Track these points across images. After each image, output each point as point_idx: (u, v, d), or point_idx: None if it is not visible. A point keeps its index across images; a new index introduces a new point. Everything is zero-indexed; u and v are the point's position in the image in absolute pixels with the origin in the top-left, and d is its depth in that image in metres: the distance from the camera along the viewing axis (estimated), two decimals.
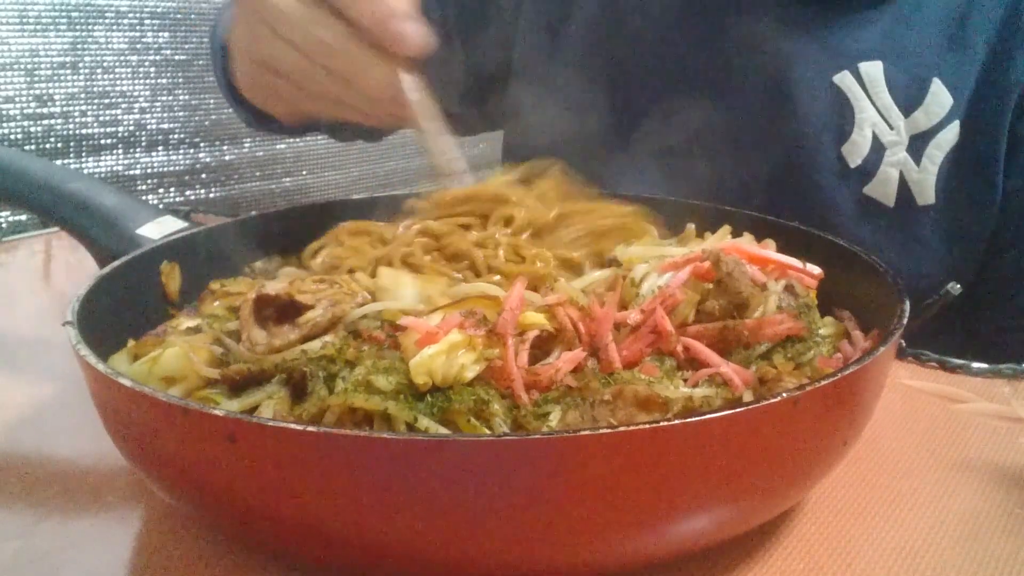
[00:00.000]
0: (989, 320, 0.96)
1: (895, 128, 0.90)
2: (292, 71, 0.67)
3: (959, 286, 0.63)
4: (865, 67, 0.91)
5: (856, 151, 0.91)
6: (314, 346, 0.55)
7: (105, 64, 1.36)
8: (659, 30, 0.98)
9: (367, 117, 0.71)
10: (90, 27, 1.33)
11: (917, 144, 0.90)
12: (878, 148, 0.91)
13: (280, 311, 0.58)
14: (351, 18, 0.62)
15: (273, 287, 0.59)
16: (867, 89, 0.91)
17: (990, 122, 0.89)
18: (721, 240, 0.68)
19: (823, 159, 0.92)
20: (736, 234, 0.70)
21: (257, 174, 1.60)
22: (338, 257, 0.71)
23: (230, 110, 1.53)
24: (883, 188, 0.91)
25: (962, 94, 0.90)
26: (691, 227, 0.73)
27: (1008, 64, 0.89)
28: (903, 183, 0.90)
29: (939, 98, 0.90)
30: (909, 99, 0.91)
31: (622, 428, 0.40)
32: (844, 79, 0.91)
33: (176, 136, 1.46)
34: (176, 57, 1.45)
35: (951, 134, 0.90)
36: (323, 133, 1.20)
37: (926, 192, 0.90)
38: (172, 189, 1.47)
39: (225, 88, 0.96)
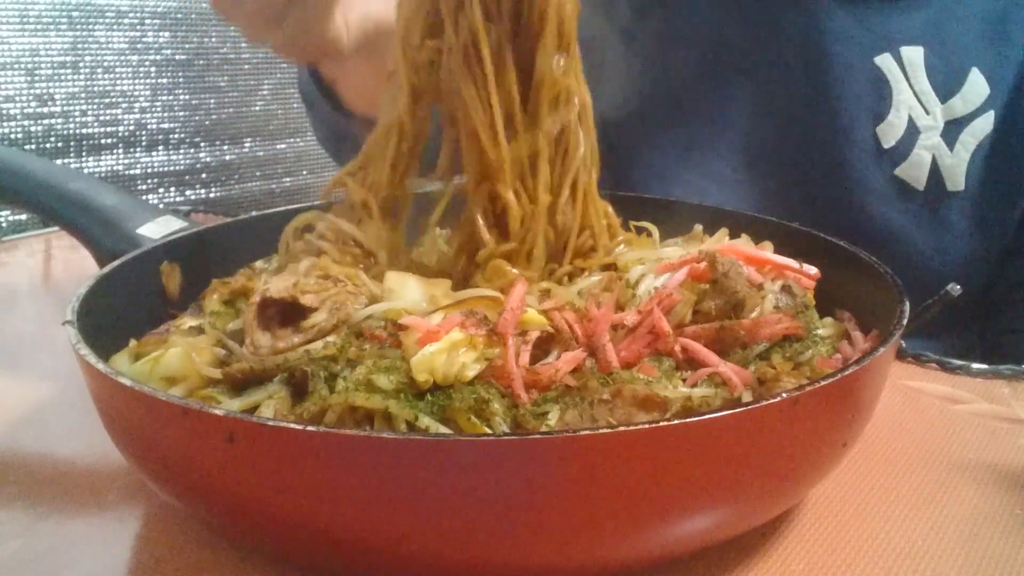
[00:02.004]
0: (1001, 321, 0.97)
1: (931, 113, 0.92)
2: None
3: (959, 287, 0.63)
4: (906, 51, 0.93)
5: (891, 132, 0.92)
6: (316, 346, 0.55)
7: (105, 64, 1.36)
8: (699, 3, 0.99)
9: None
10: (90, 27, 1.34)
11: (952, 130, 0.92)
12: (913, 131, 0.92)
13: (284, 313, 0.58)
14: None
15: (276, 289, 0.59)
16: (907, 72, 0.93)
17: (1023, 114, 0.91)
18: (718, 242, 0.68)
19: (857, 137, 0.93)
20: (734, 235, 0.70)
21: (257, 174, 1.60)
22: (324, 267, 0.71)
23: (230, 110, 1.53)
24: (915, 171, 0.92)
25: (999, 86, 0.92)
26: (698, 228, 0.73)
27: None
28: (935, 167, 0.92)
29: (976, 87, 0.92)
30: (947, 86, 0.92)
31: (621, 428, 0.40)
32: (885, 61, 0.93)
33: (176, 136, 1.46)
34: (176, 57, 1.45)
35: (986, 123, 0.92)
36: None
37: (957, 178, 0.92)
38: (172, 189, 1.47)
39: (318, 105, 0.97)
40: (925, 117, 0.92)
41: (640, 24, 1.01)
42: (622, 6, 1.01)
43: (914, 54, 0.93)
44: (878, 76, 0.93)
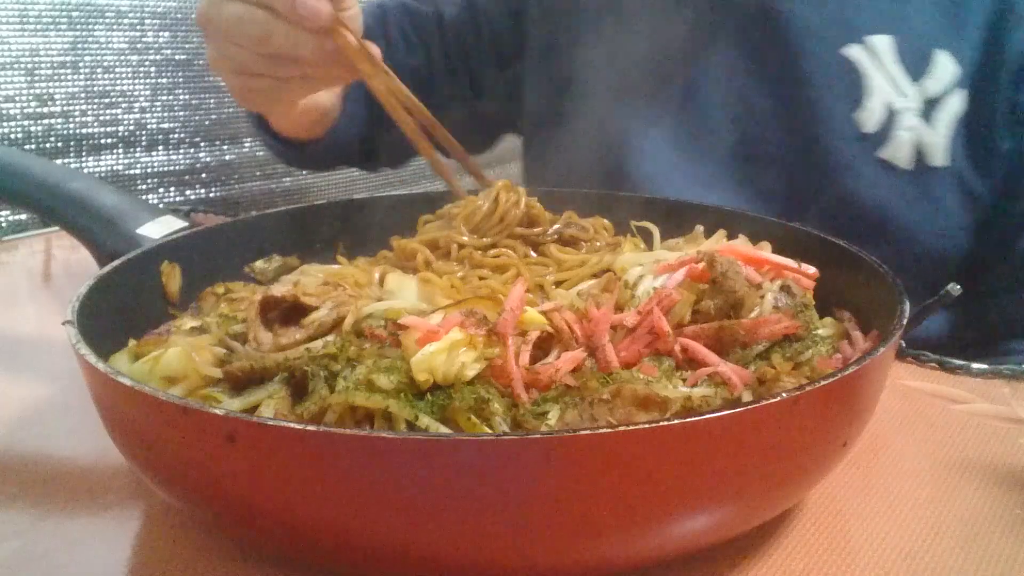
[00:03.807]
0: (995, 306, 1.00)
1: (907, 95, 0.96)
2: (251, 66, 0.79)
3: (959, 287, 0.63)
4: (873, 40, 0.96)
5: (870, 117, 0.95)
6: (316, 345, 0.55)
7: (105, 64, 1.36)
8: (668, 5, 1.03)
9: (332, 79, 0.85)
10: (90, 27, 1.33)
11: (929, 109, 0.95)
12: (891, 113, 0.95)
13: (285, 314, 0.58)
14: (272, 8, 0.74)
15: (279, 290, 0.59)
16: (876, 60, 0.96)
17: (991, 90, 0.95)
18: (717, 242, 0.68)
19: (836, 125, 0.96)
20: (733, 236, 0.70)
21: (257, 174, 1.60)
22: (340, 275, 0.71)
23: (230, 110, 1.53)
24: (898, 151, 0.95)
25: (966, 64, 0.95)
26: (699, 228, 0.73)
27: (1004, 37, 0.95)
28: (917, 146, 0.95)
29: (945, 67, 0.95)
30: (917, 68, 0.96)
31: (621, 428, 0.40)
32: (853, 51, 0.96)
33: (176, 136, 1.46)
34: (176, 57, 1.45)
35: (958, 100, 0.95)
36: (355, 166, 1.28)
37: (939, 154, 0.95)
38: (172, 189, 1.47)
39: (259, 129, 1.08)
40: (901, 99, 0.96)
41: (618, 27, 1.05)
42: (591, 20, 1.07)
43: (881, 42, 0.96)
44: (849, 66, 0.96)
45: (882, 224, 0.95)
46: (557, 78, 1.09)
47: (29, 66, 1.27)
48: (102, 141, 1.37)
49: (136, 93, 1.40)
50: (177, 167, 1.47)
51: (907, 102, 0.95)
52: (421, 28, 1.15)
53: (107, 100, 1.37)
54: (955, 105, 0.95)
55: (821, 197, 0.96)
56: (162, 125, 1.44)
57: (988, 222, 0.98)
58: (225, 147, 1.54)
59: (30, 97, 1.28)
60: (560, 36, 1.09)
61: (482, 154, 1.28)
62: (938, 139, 0.95)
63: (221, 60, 0.81)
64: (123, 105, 1.39)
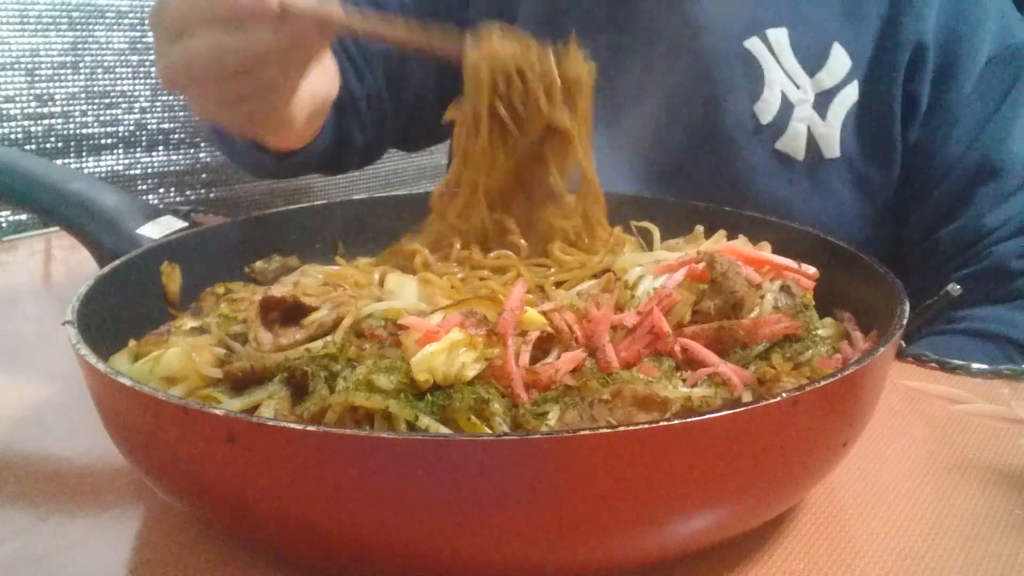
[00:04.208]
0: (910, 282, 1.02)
1: (801, 87, 0.99)
2: (232, 91, 0.70)
3: (959, 287, 0.63)
4: (772, 33, 0.99)
5: (767, 109, 0.99)
6: (316, 345, 0.55)
7: (106, 64, 1.36)
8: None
9: (309, 51, 0.72)
10: (91, 27, 1.33)
11: (822, 101, 0.98)
12: (787, 105, 0.99)
13: (285, 314, 0.58)
14: (213, 24, 0.66)
15: (279, 290, 0.59)
16: (774, 52, 0.99)
17: (885, 81, 0.98)
18: (717, 243, 0.68)
19: (737, 117, 0.99)
20: (732, 236, 0.70)
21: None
22: (340, 276, 0.71)
23: None
24: (793, 143, 0.98)
25: (860, 57, 0.98)
26: (700, 228, 0.73)
27: (898, 29, 0.97)
28: (811, 137, 0.99)
29: (839, 60, 0.98)
30: (812, 61, 0.99)
31: (621, 428, 0.40)
32: (754, 44, 0.99)
33: (176, 136, 1.46)
34: None
35: (852, 92, 0.98)
36: (315, 172, 1.25)
37: (832, 145, 0.98)
38: (172, 189, 1.47)
39: (217, 137, 1.05)
40: (796, 91, 0.98)
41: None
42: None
43: (779, 35, 0.99)
44: (749, 59, 0.99)
45: (778, 214, 0.96)
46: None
47: (29, 66, 1.27)
48: (102, 141, 1.37)
49: (136, 93, 1.40)
50: (177, 167, 1.47)
51: (802, 94, 0.98)
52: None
53: (107, 100, 1.37)
54: (848, 97, 0.98)
55: (717, 187, 0.99)
56: (162, 125, 1.44)
57: (900, 214, 1.01)
58: None
59: (30, 97, 1.28)
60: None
61: None
62: (830, 131, 0.98)
63: (209, 109, 0.74)
64: (123, 105, 1.39)
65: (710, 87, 1.00)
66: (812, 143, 0.99)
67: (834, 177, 0.99)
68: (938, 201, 0.99)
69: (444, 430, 0.46)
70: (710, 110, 1.00)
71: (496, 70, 0.70)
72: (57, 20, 1.29)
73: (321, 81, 0.88)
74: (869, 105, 0.98)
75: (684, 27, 1.01)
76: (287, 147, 0.96)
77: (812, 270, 0.63)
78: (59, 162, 1.31)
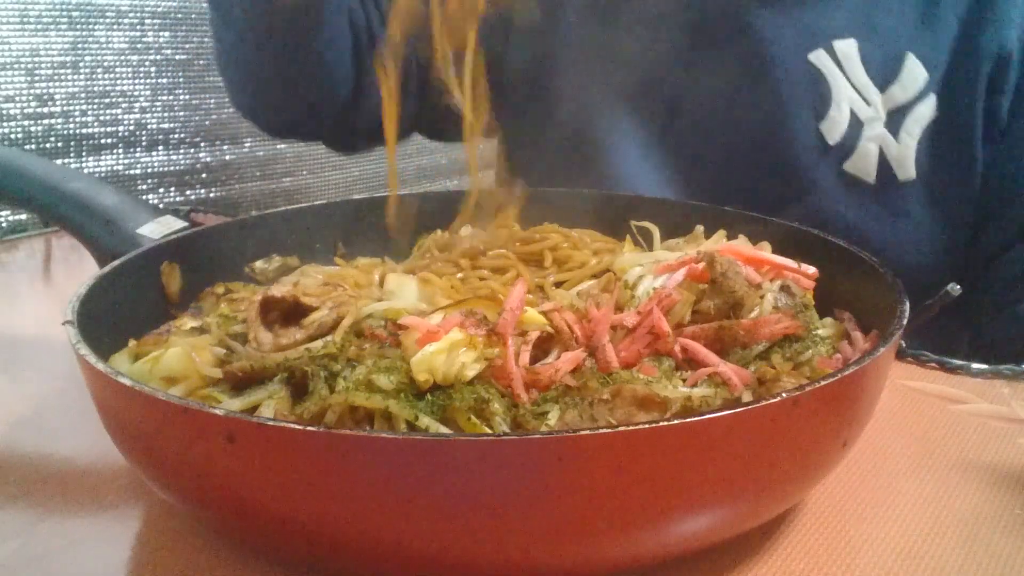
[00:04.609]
0: (989, 325, 0.96)
1: (872, 104, 0.92)
2: None
3: (959, 287, 0.63)
4: (839, 45, 0.92)
5: (834, 128, 0.92)
6: (316, 345, 0.55)
7: (105, 64, 1.36)
8: (639, 9, 1.00)
9: None
10: (91, 27, 1.33)
11: (895, 119, 0.92)
12: (856, 124, 0.92)
13: (285, 314, 0.58)
14: None
15: (279, 290, 0.59)
16: (842, 66, 0.92)
17: (965, 95, 0.90)
18: (717, 243, 0.68)
19: (801, 136, 0.93)
20: (732, 236, 0.70)
21: (257, 174, 1.60)
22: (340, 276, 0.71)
23: (230, 110, 1.53)
24: (863, 163, 0.92)
25: (936, 68, 0.91)
26: (700, 228, 0.73)
27: (979, 38, 0.90)
28: (883, 158, 0.92)
29: (914, 73, 0.91)
30: (884, 75, 0.92)
31: (621, 428, 0.40)
32: (819, 57, 0.93)
33: (176, 136, 1.46)
34: (176, 57, 1.45)
35: (928, 108, 0.91)
36: (321, 141, 1.16)
37: (906, 166, 0.92)
38: (172, 189, 1.47)
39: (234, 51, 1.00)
40: (866, 109, 0.92)
41: (582, 41, 1.03)
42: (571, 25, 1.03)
43: (847, 47, 0.92)
44: (814, 73, 0.93)
45: (849, 239, 0.91)
46: (537, 87, 1.05)
47: (29, 66, 1.27)
48: (102, 141, 1.37)
49: (136, 93, 1.40)
50: (177, 167, 1.47)
51: (872, 111, 0.92)
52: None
53: (107, 100, 1.37)
54: (924, 113, 0.91)
55: (782, 210, 0.91)
56: (162, 125, 1.44)
57: (970, 238, 0.95)
58: (225, 147, 1.54)
59: (30, 97, 1.28)
60: (540, 45, 1.05)
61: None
62: (904, 151, 0.91)
63: None
64: (123, 105, 1.39)
65: (773, 105, 0.94)
66: (884, 164, 0.92)
67: (909, 200, 0.92)
68: (1011, 221, 0.92)
69: (444, 430, 0.46)
70: (774, 129, 0.94)
71: None
72: (57, 20, 1.29)
73: None
74: (948, 121, 0.91)
75: (745, 40, 0.95)
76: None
77: (812, 270, 0.63)
78: (59, 162, 1.31)
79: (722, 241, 0.69)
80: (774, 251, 0.65)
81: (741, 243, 0.67)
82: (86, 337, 0.50)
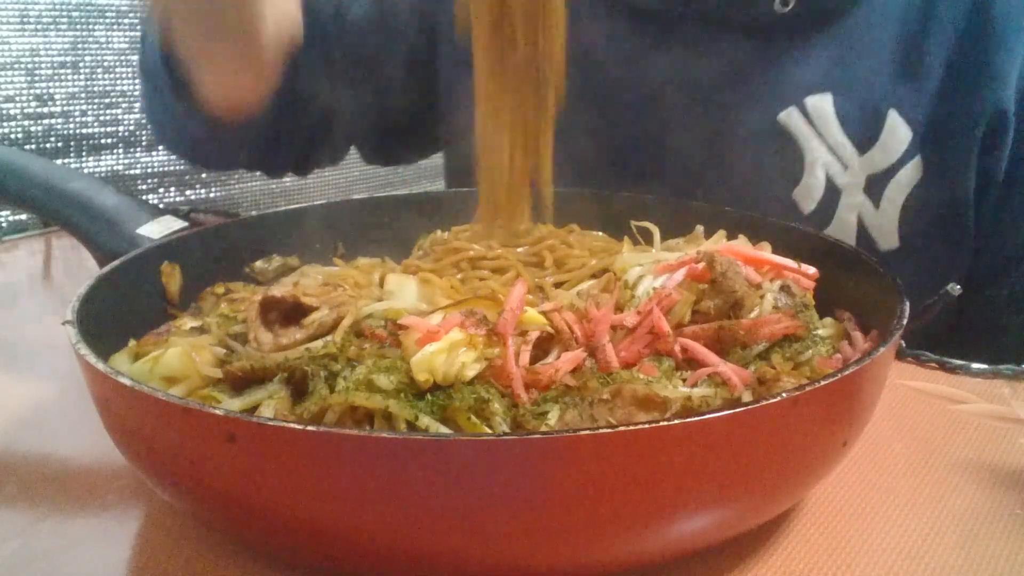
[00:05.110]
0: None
1: (850, 167, 0.83)
2: None
3: (959, 287, 0.62)
4: (813, 101, 0.83)
5: (809, 196, 0.84)
6: (316, 345, 0.55)
7: (105, 63, 1.36)
8: (600, 79, 0.91)
9: None
10: (91, 26, 1.34)
11: (875, 184, 0.83)
12: (832, 191, 0.84)
13: (285, 314, 0.58)
14: None
15: (279, 290, 0.59)
16: (816, 126, 0.83)
17: (955, 157, 0.81)
18: (717, 243, 0.68)
19: (775, 206, 0.84)
20: (732, 236, 0.70)
21: (257, 174, 1.60)
22: (340, 276, 0.71)
23: None
24: (840, 234, 0.83)
25: (921, 127, 0.81)
26: (700, 228, 0.73)
27: (971, 95, 0.80)
28: (862, 228, 0.84)
29: (897, 132, 0.81)
30: (864, 134, 0.82)
31: (621, 428, 0.40)
32: (790, 117, 0.83)
33: None
34: None
35: (912, 171, 0.82)
36: (249, 165, 1.06)
37: (888, 236, 0.84)
38: (172, 189, 1.47)
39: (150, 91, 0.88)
40: (843, 174, 0.82)
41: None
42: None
43: (821, 102, 0.82)
44: (786, 135, 0.83)
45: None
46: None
47: (29, 66, 1.27)
48: (102, 141, 1.37)
49: (136, 93, 1.40)
50: (177, 167, 1.47)
51: (850, 177, 0.82)
52: (315, 25, 0.92)
53: (107, 100, 1.37)
54: (908, 177, 0.81)
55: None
56: None
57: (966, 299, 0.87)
58: None
59: (30, 97, 1.28)
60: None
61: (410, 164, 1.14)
62: (886, 220, 0.82)
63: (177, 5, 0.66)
64: (123, 105, 1.39)
65: (741, 171, 0.85)
66: (864, 234, 0.83)
67: (895, 270, 0.87)
68: (1014, 285, 0.84)
69: (444, 430, 0.46)
70: (744, 198, 0.83)
71: None
72: (57, 20, 1.29)
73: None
74: (935, 185, 0.81)
75: (708, 104, 0.85)
76: (236, 93, 0.84)
77: (812, 270, 0.62)
78: (59, 162, 1.31)
79: (722, 241, 0.69)
80: (774, 251, 0.65)
81: (741, 243, 0.67)
82: (86, 337, 0.50)
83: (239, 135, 0.89)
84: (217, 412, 0.42)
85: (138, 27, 1.39)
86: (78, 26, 1.32)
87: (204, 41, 0.76)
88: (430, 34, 0.99)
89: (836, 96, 0.83)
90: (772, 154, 0.84)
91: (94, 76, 1.35)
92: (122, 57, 1.38)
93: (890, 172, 0.82)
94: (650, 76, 0.88)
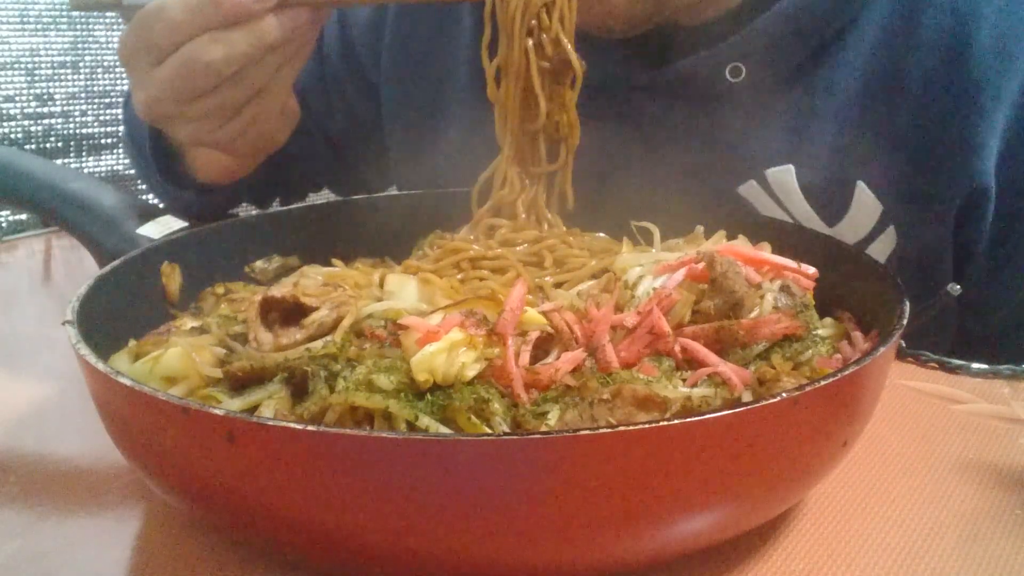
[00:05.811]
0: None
1: None
2: (229, 99, 0.69)
3: (959, 287, 0.62)
4: (773, 174, 0.77)
5: None
6: (316, 345, 0.55)
7: (105, 63, 1.37)
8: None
9: (306, 47, 0.71)
10: (90, 27, 1.34)
11: None
12: None
13: (285, 314, 0.58)
14: (209, 22, 0.65)
15: (279, 290, 0.59)
16: (779, 199, 0.78)
17: (930, 231, 0.76)
18: (717, 243, 0.68)
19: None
20: (732, 236, 0.70)
21: None
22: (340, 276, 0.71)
23: None
24: None
25: (893, 199, 0.76)
26: (700, 228, 0.73)
27: (947, 168, 0.74)
28: None
29: (865, 206, 0.76)
30: (831, 207, 0.77)
31: (621, 428, 0.40)
32: (750, 190, 0.78)
33: None
34: None
35: (886, 241, 0.77)
36: (278, 195, 1.10)
37: None
38: None
39: (163, 172, 0.90)
40: None
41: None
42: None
43: (784, 176, 0.76)
44: (748, 208, 0.79)
45: None
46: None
47: (29, 66, 1.28)
48: (102, 141, 1.37)
49: None
50: None
51: None
52: None
53: (107, 100, 1.37)
54: (883, 247, 0.77)
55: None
56: None
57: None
58: None
59: (30, 97, 1.28)
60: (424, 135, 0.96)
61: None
62: None
63: (199, 132, 0.70)
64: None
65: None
66: None
67: None
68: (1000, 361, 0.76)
69: (444, 430, 0.46)
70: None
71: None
72: (57, 20, 1.29)
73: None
74: (911, 255, 0.77)
75: (661, 169, 0.81)
76: (227, 172, 0.87)
77: (812, 270, 0.62)
78: (59, 162, 1.31)
79: (722, 241, 0.69)
80: (774, 251, 0.65)
81: (741, 243, 0.66)
82: (86, 337, 0.50)
83: (229, 193, 0.93)
84: (217, 412, 0.42)
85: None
86: (78, 26, 1.32)
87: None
88: (370, 89, 1.02)
89: (799, 168, 0.77)
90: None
91: (94, 76, 1.35)
92: None
93: (864, 243, 0.78)
94: (607, 148, 0.83)
